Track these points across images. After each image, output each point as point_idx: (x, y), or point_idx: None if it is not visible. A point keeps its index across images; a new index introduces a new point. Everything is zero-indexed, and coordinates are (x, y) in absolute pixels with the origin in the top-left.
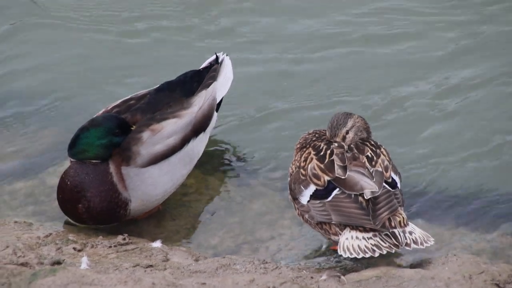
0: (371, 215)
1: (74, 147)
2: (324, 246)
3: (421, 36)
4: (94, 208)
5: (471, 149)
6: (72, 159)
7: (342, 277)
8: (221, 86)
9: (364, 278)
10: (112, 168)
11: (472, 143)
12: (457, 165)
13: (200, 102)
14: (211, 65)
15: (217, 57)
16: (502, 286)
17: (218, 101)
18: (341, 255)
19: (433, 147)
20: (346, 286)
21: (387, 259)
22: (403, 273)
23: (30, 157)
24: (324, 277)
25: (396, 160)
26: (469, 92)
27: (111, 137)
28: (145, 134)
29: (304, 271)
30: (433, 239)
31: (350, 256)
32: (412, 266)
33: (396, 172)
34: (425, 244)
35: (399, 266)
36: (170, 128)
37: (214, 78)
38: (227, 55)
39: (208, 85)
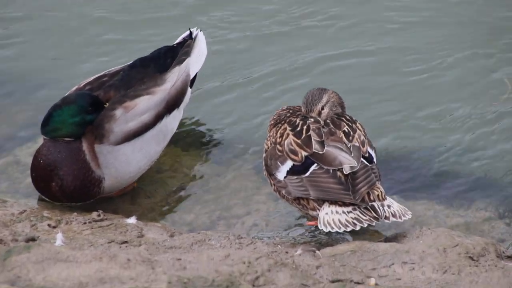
0: (351, 190)
1: (47, 125)
2: (299, 221)
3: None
4: (67, 186)
5: (445, 125)
6: (45, 137)
7: (317, 251)
8: (195, 62)
9: (339, 252)
10: (85, 146)
11: (445, 119)
12: (431, 142)
13: (173, 78)
14: (184, 40)
15: (190, 33)
16: (476, 259)
17: (192, 77)
18: (316, 231)
19: (406, 123)
20: (321, 260)
21: (361, 234)
22: (378, 247)
23: (3, 134)
24: (299, 251)
25: (371, 134)
26: (437, 64)
27: (84, 115)
28: (118, 112)
29: (279, 246)
30: (411, 212)
31: (331, 231)
32: (387, 240)
33: (372, 147)
34: (403, 218)
35: (374, 240)
36: (144, 105)
37: (187, 54)
38: (200, 31)
39: (181, 61)
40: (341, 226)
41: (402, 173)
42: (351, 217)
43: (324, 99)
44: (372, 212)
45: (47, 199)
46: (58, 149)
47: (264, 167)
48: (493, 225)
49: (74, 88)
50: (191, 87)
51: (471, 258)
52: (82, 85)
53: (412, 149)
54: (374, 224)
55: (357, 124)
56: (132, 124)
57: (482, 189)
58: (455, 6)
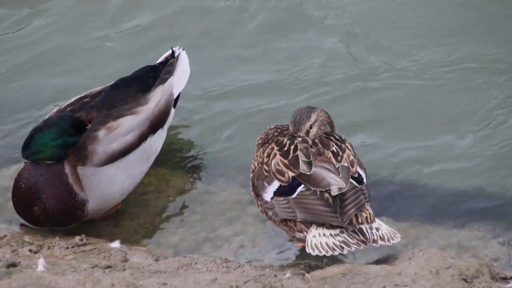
0: (339, 211)
1: (28, 148)
2: (287, 243)
3: None
4: (50, 210)
5: (438, 142)
6: (26, 160)
7: (307, 274)
8: (178, 81)
9: (329, 275)
10: (67, 168)
11: (439, 137)
12: (423, 160)
13: (157, 98)
14: (167, 60)
15: (173, 52)
16: (469, 281)
17: (175, 96)
18: (305, 253)
19: (398, 140)
20: (311, 284)
21: (352, 256)
22: (369, 269)
23: None
24: (288, 275)
25: (361, 154)
26: (440, 82)
27: (66, 137)
28: (101, 133)
29: (267, 269)
30: (400, 235)
31: (319, 254)
32: (378, 262)
33: (362, 167)
34: (391, 241)
35: (365, 262)
36: (127, 125)
37: (170, 73)
38: (183, 50)
39: (164, 80)
40: (328, 249)
41: (393, 193)
42: (339, 240)
43: (313, 118)
44: (360, 235)
45: (29, 224)
46: (40, 172)
47: (251, 188)
48: (486, 244)
49: (55, 110)
50: (174, 107)
51: (465, 280)
52: (63, 106)
53: (403, 169)
54: (361, 247)
55: (347, 144)
56: (115, 145)
57: (475, 208)
58: None
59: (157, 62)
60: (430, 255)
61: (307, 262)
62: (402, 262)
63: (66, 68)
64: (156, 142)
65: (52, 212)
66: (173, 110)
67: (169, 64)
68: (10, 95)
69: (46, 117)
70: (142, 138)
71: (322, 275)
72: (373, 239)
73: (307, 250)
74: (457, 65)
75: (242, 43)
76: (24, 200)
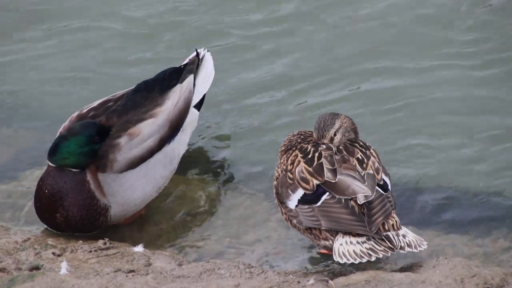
0: (366, 220)
1: (55, 154)
2: (311, 250)
3: None
4: (72, 217)
5: (463, 151)
6: (50, 164)
7: (330, 281)
8: (203, 83)
9: (353, 282)
10: (89, 175)
11: (464, 145)
12: (448, 168)
13: (175, 97)
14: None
15: (197, 53)
16: None
17: (200, 98)
18: (329, 259)
19: (423, 148)
20: None
21: (376, 263)
22: (393, 277)
23: (7, 159)
24: (311, 281)
25: (385, 161)
26: (464, 90)
27: (92, 145)
28: (123, 140)
29: (290, 275)
30: (426, 242)
31: (347, 262)
32: (402, 269)
33: (386, 174)
34: (418, 248)
35: (389, 270)
36: (148, 129)
37: (191, 72)
38: (208, 51)
39: (183, 79)
40: (356, 257)
41: (417, 201)
42: (366, 248)
43: (337, 125)
44: (387, 242)
45: (51, 229)
46: (64, 179)
47: (275, 195)
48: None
49: (75, 114)
50: (199, 110)
51: None
52: (85, 110)
53: (427, 177)
54: (389, 254)
55: (371, 150)
56: (135, 151)
57: (501, 217)
58: None
59: (182, 64)
60: (455, 264)
61: (331, 269)
62: (426, 270)
63: (96, 79)
64: (178, 144)
65: (75, 219)
66: (197, 113)
67: (190, 63)
68: (37, 99)
69: (66, 124)
70: (162, 141)
71: (346, 282)
72: (401, 245)
73: (334, 258)
74: None
75: (268, 47)
76: (47, 206)
